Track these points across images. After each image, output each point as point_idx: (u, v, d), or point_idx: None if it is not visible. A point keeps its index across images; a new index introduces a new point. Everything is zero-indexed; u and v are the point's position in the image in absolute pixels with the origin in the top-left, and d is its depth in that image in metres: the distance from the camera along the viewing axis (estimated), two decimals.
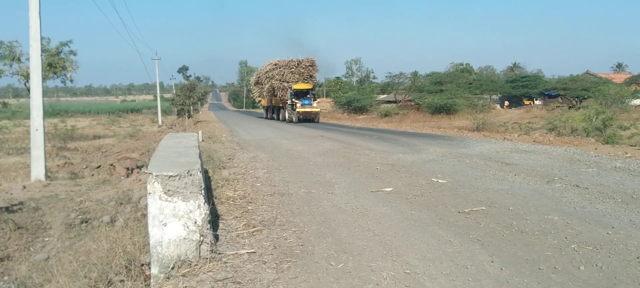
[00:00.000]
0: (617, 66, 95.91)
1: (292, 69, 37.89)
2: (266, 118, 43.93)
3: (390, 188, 8.29)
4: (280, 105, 37.91)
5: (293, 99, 34.43)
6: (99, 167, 16.36)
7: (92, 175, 15.08)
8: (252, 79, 48.87)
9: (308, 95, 35.15)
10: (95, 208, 9.49)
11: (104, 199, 9.91)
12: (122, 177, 13.30)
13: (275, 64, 38.93)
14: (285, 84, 36.91)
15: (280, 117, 38.12)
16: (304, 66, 38.24)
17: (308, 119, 33.86)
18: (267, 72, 40.14)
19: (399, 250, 5.05)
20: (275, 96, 38.88)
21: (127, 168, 14.82)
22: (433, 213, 6.59)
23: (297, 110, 33.60)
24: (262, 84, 42.69)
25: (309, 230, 5.84)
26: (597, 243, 5.11)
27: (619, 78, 59.22)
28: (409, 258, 4.83)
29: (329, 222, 6.21)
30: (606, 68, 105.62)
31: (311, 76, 38.49)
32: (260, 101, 47.99)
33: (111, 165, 15.88)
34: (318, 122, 33.79)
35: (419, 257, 4.84)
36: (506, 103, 61.69)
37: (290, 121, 34.21)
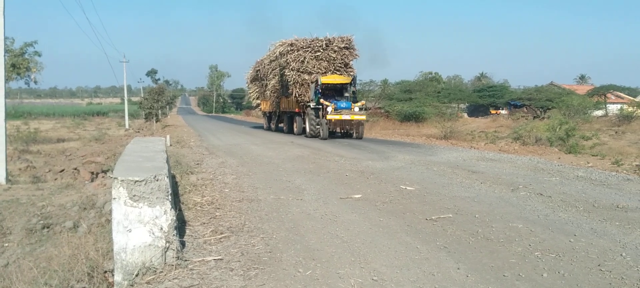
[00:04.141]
0: (580, 78, 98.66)
1: (318, 53, 23.54)
2: (269, 129, 31.00)
3: (359, 195, 8.32)
4: (296, 109, 24.87)
5: (320, 100, 21.85)
6: (63, 171, 15.95)
7: (55, 179, 14.68)
8: (248, 74, 33.23)
9: (345, 94, 22.99)
10: (58, 213, 9.23)
11: (67, 204, 9.66)
12: (86, 182, 13.01)
13: (291, 44, 24.03)
14: (306, 77, 23.26)
15: (296, 129, 25.09)
16: (336, 48, 23.67)
17: (345, 132, 22.51)
18: (274, 59, 26.11)
19: (367, 257, 5.07)
20: (288, 96, 25.46)
21: (92, 173, 14.49)
22: (401, 220, 6.64)
23: (329, 117, 21.03)
24: (263, 79, 29.39)
25: (277, 237, 5.81)
26: (559, 250, 5.23)
27: (582, 89, 61.02)
28: (376, 265, 4.84)
29: (297, 229, 6.19)
30: (570, 79, 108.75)
31: (347, 65, 24.07)
32: (258, 105, 33.44)
33: (75, 169, 15.49)
34: (362, 137, 21.72)
35: (387, 264, 4.86)
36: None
37: (314, 135, 22.18)
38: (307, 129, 23.18)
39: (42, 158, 22.38)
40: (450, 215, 6.85)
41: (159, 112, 51.59)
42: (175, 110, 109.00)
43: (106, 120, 77.18)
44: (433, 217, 6.72)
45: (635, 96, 59.60)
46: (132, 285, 4.38)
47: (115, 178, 4.52)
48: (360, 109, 21.76)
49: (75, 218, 8.65)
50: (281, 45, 24.60)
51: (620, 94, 59.20)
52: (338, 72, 23.47)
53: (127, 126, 54.27)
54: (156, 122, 46.46)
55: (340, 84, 22.95)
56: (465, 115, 58.72)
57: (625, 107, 43.18)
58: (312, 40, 23.82)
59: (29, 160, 20.28)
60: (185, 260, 4.83)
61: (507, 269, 4.70)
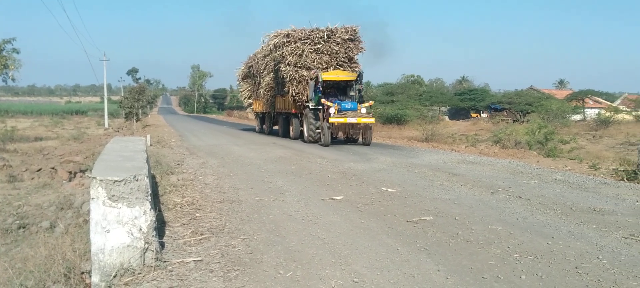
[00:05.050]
0: (559, 82, 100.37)
1: (318, 46, 20.80)
2: (262, 132, 28.03)
3: (341, 197, 8.32)
4: (293, 110, 22.13)
5: (321, 100, 18.90)
6: (40, 170, 15.68)
7: (32, 178, 14.43)
8: (239, 71, 29.94)
9: (351, 93, 20.35)
10: (34, 213, 9.09)
11: (44, 204, 9.52)
12: (64, 181, 12.82)
13: (288, 36, 21.04)
14: (305, 73, 20.59)
15: (292, 133, 22.44)
16: (339, 40, 21.00)
17: (350, 136, 19.40)
18: (268, 53, 23.36)
19: (348, 259, 5.07)
20: (284, 94, 22.52)
21: (70, 172, 14.27)
22: (382, 222, 6.66)
23: (332, 119, 17.99)
24: (256, 76, 26.36)
25: (258, 238, 5.78)
26: (537, 253, 5.29)
27: (561, 94, 62.03)
28: (357, 266, 4.85)
29: (278, 230, 6.17)
30: (549, 84, 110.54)
31: (351, 59, 21.35)
32: (250, 105, 30.10)
33: (53, 168, 15.25)
34: (370, 143, 18.88)
35: (368, 266, 4.87)
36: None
37: (313, 140, 19.36)
38: (306, 133, 20.15)
39: (19, 157, 21.97)
40: (431, 217, 6.89)
41: (140, 111, 51.05)
42: (156, 110, 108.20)
43: (85, 119, 76.17)
44: (414, 219, 6.75)
45: (612, 101, 60.68)
46: (110, 287, 4.32)
47: (93, 177, 4.45)
48: (368, 111, 18.77)
49: (52, 218, 8.52)
50: (276, 37, 21.69)
51: (598, 99, 60.28)
52: (341, 68, 20.77)
53: (106, 125, 53.54)
54: (136, 121, 46.01)
55: (344, 81, 20.08)
56: (447, 118, 59.21)
57: (602, 111, 43.95)
58: (312, 31, 21.01)
59: (5, 159, 19.89)
60: (165, 262, 4.78)
61: (487, 271, 4.74)
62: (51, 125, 54.17)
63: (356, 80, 19.84)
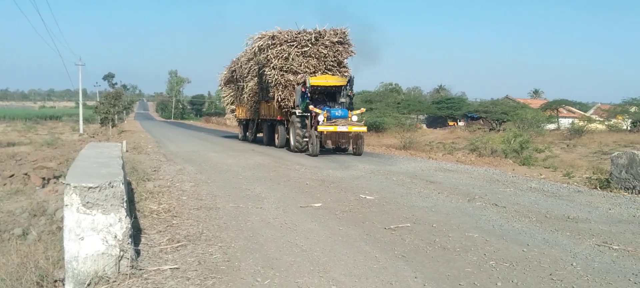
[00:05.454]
0: (534, 92, 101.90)
1: (306, 48, 19.65)
2: (245, 139, 26.73)
3: (320, 204, 8.32)
4: (278, 117, 20.89)
5: (309, 107, 17.85)
6: (12, 176, 15.34)
7: (4, 184, 14.10)
8: (221, 75, 28.65)
9: (341, 100, 19.07)
10: (6, 220, 8.86)
11: (16, 210, 9.29)
12: (37, 188, 12.56)
13: (273, 38, 19.76)
14: (291, 77, 19.46)
15: (278, 141, 21.11)
16: (327, 42, 19.86)
17: (340, 145, 18.20)
18: (252, 56, 21.88)
19: (326, 266, 5.06)
20: (269, 100, 21.45)
21: (43, 178, 13.98)
22: (360, 229, 6.67)
23: (321, 128, 16.90)
24: (240, 81, 24.97)
25: (236, 246, 5.73)
26: (513, 260, 5.35)
27: (536, 103, 62.98)
28: (335, 274, 4.84)
29: (256, 238, 6.13)
30: (524, 93, 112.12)
31: (340, 63, 20.32)
32: (233, 111, 29.01)
33: (26, 174, 14.91)
34: (361, 154, 17.62)
35: (346, 273, 4.87)
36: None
37: (300, 149, 18.24)
38: (292, 142, 18.95)
39: None
40: (409, 225, 6.92)
41: (116, 117, 50.38)
42: (133, 116, 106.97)
43: (60, 124, 74.90)
44: (392, 226, 6.78)
45: (585, 111, 61.90)
46: None
47: (67, 184, 4.37)
48: (359, 119, 17.75)
49: (25, 225, 8.32)
50: (260, 39, 20.30)
51: (571, 108, 61.40)
52: (330, 72, 19.68)
53: (81, 131, 52.71)
54: (112, 127, 45.36)
55: (333, 86, 18.90)
56: (424, 126, 59.67)
57: (576, 121, 44.83)
58: (299, 33, 19.77)
59: None
60: (140, 269, 4.71)
61: (463, 278, 4.78)
62: (24, 131, 53.13)
63: (346, 85, 18.77)
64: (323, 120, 16.94)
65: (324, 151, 18.14)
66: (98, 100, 61.37)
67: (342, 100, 18.95)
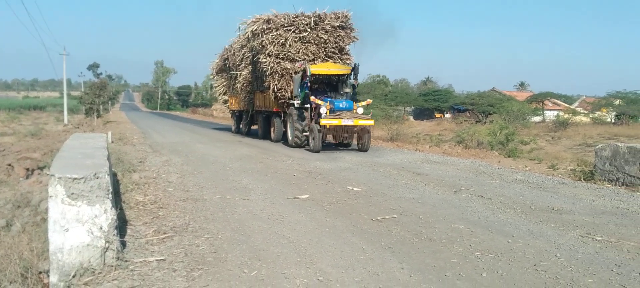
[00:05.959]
0: (520, 85, 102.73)
1: (304, 33, 17.95)
2: (238, 131, 25.23)
3: (307, 196, 8.32)
4: (274, 109, 19.25)
5: (310, 97, 16.27)
6: None
7: None
8: (213, 63, 26.94)
9: (346, 89, 17.36)
10: None
11: None
12: (21, 178, 12.41)
13: (268, 22, 17.90)
14: (288, 65, 17.82)
15: (273, 134, 19.72)
16: (328, 27, 18.15)
17: (343, 141, 16.55)
18: (246, 43, 20.40)
19: (313, 257, 5.07)
20: (264, 90, 19.76)
21: (27, 169, 13.82)
22: (347, 220, 6.69)
23: (323, 121, 15.21)
24: (233, 70, 23.53)
25: (222, 237, 5.72)
26: (498, 251, 5.40)
27: (521, 96, 63.53)
28: (322, 265, 4.85)
29: (243, 229, 6.12)
30: (510, 86, 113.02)
31: (342, 50, 18.66)
32: (226, 102, 27.19)
33: (9, 165, 14.73)
34: (368, 149, 16.06)
35: (332, 264, 4.88)
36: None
37: (298, 144, 16.76)
38: (290, 136, 17.51)
39: None
40: (395, 216, 6.95)
41: (101, 107, 49.87)
42: (118, 106, 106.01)
43: (44, 114, 73.84)
44: (378, 218, 6.80)
45: (570, 103, 62.58)
46: (69, 287, 4.20)
47: (52, 175, 4.32)
48: (366, 111, 16.16)
49: (9, 216, 8.22)
50: (254, 23, 18.30)
51: (557, 101, 61.99)
52: (331, 60, 17.99)
53: (66, 121, 52.11)
54: (97, 117, 44.87)
55: (336, 75, 17.14)
56: (411, 118, 59.92)
57: (561, 113, 45.29)
58: (296, 17, 18.02)
59: None
60: (126, 261, 4.68)
61: (449, 269, 4.82)
62: (7, 121, 52.31)
63: (350, 74, 16.93)
64: (326, 113, 15.33)
65: (324, 146, 16.43)
66: (83, 90, 60.73)
67: (347, 90, 17.28)
